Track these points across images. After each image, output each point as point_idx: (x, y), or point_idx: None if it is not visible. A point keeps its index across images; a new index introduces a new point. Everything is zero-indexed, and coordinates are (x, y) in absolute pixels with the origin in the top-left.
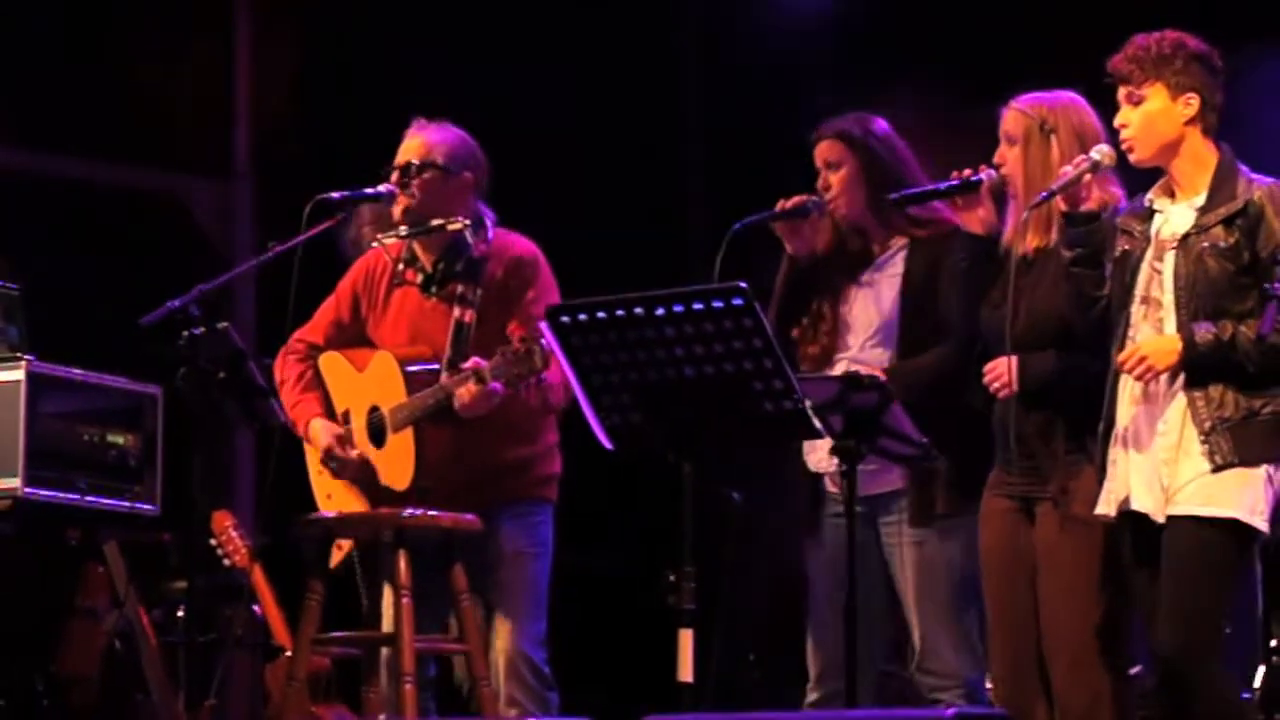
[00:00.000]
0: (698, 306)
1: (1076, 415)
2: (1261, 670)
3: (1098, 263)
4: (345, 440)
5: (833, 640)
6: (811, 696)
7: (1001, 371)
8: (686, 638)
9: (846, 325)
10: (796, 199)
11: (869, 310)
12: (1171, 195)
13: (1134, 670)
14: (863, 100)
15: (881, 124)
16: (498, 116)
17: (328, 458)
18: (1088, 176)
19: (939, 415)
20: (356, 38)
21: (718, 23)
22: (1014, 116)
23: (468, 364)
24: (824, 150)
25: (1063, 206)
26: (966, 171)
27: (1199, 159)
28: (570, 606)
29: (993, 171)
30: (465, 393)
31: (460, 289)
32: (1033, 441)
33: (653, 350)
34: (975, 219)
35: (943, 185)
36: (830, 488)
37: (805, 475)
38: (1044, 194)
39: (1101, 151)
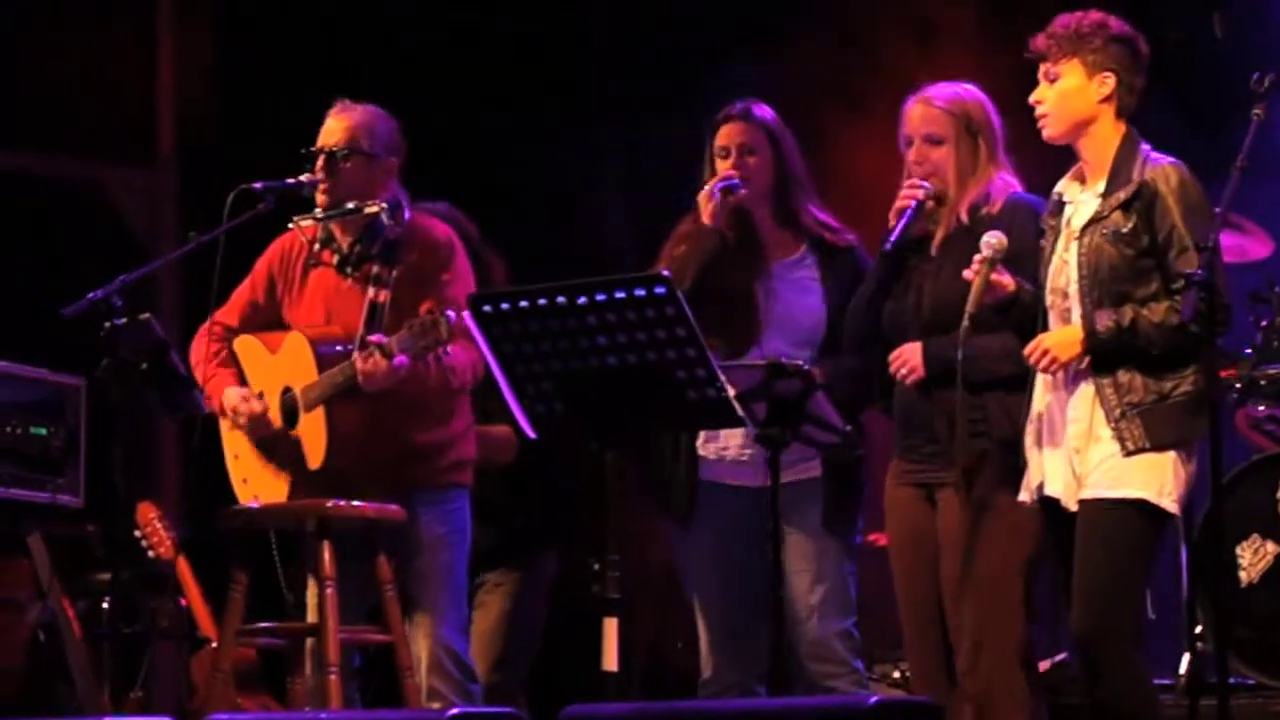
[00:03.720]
0: (619, 295)
1: (978, 398)
2: (1186, 657)
3: (1034, 299)
4: (250, 397)
5: (725, 630)
6: (710, 689)
7: (907, 358)
8: (611, 626)
9: (760, 324)
10: (728, 173)
11: (783, 312)
12: (1083, 181)
13: (1059, 657)
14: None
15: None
16: (420, 101)
17: (235, 416)
18: (994, 276)
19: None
20: (279, 23)
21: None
22: (936, 115)
23: (374, 337)
24: (738, 133)
25: (972, 310)
26: (908, 200)
27: (1107, 141)
28: None
29: (926, 185)
30: (370, 365)
31: (375, 270)
32: (936, 425)
33: (575, 339)
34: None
35: (901, 226)
36: (728, 478)
37: (683, 462)
38: (967, 316)
39: (991, 246)
